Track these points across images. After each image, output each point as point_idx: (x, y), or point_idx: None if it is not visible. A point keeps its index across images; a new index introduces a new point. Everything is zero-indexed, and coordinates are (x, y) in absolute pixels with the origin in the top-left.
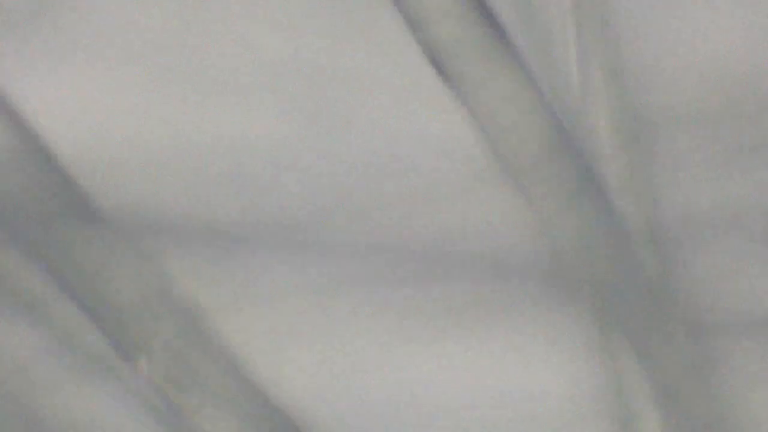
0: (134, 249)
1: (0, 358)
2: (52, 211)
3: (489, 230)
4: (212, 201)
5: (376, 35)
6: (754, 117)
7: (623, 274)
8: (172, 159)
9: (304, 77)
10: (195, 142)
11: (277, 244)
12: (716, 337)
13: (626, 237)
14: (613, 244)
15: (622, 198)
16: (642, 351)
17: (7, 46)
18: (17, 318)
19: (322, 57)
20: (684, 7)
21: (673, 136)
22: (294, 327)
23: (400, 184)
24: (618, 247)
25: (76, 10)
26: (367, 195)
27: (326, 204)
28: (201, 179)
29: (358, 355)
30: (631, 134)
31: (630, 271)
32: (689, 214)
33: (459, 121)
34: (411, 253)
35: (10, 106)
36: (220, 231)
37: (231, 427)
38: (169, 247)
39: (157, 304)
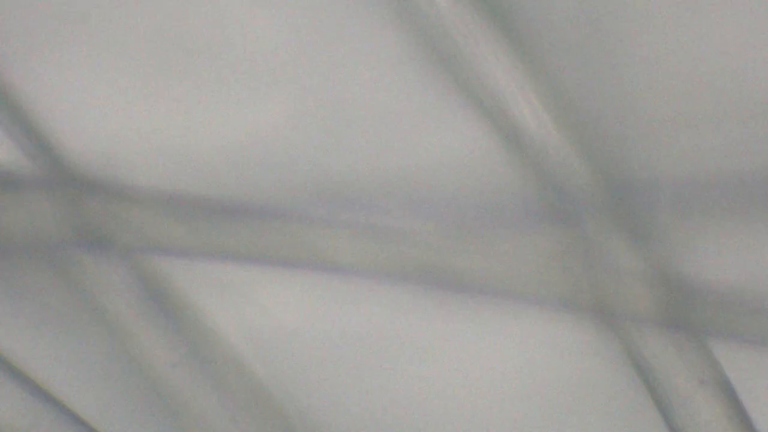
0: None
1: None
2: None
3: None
4: (216, 199)
5: (380, 31)
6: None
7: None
8: (175, 155)
9: (310, 72)
10: (197, 139)
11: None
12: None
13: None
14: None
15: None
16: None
17: (13, 44)
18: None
19: (329, 51)
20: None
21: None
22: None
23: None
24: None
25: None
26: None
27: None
28: (205, 176)
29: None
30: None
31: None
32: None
33: (468, 118)
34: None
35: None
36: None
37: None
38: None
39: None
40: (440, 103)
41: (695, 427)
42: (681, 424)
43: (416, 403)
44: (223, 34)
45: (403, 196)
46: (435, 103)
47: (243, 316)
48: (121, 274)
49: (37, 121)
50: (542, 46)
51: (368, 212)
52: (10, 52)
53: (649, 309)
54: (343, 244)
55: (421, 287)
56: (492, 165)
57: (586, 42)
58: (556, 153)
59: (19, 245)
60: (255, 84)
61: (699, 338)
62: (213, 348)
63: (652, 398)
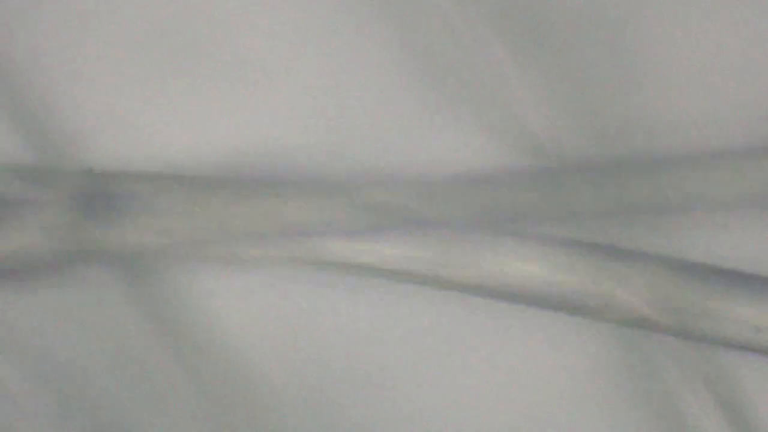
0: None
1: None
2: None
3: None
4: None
5: (386, 39)
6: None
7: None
8: (176, 152)
9: (311, 73)
10: (202, 143)
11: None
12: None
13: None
14: None
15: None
16: None
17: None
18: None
19: (330, 51)
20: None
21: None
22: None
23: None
24: None
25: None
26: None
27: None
28: (210, 179)
29: None
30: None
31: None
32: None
33: (471, 118)
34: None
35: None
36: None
37: None
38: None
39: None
40: (441, 103)
41: (696, 427)
42: (681, 424)
43: (417, 403)
44: (224, 36)
45: (405, 196)
46: (436, 104)
47: (249, 310)
48: (121, 271)
49: (39, 120)
50: (545, 43)
51: (369, 213)
52: (12, 52)
53: (650, 308)
54: (344, 245)
55: (424, 288)
56: (494, 165)
57: (590, 38)
58: (563, 152)
59: (28, 234)
60: (256, 84)
61: (700, 338)
62: (214, 341)
63: (652, 398)
